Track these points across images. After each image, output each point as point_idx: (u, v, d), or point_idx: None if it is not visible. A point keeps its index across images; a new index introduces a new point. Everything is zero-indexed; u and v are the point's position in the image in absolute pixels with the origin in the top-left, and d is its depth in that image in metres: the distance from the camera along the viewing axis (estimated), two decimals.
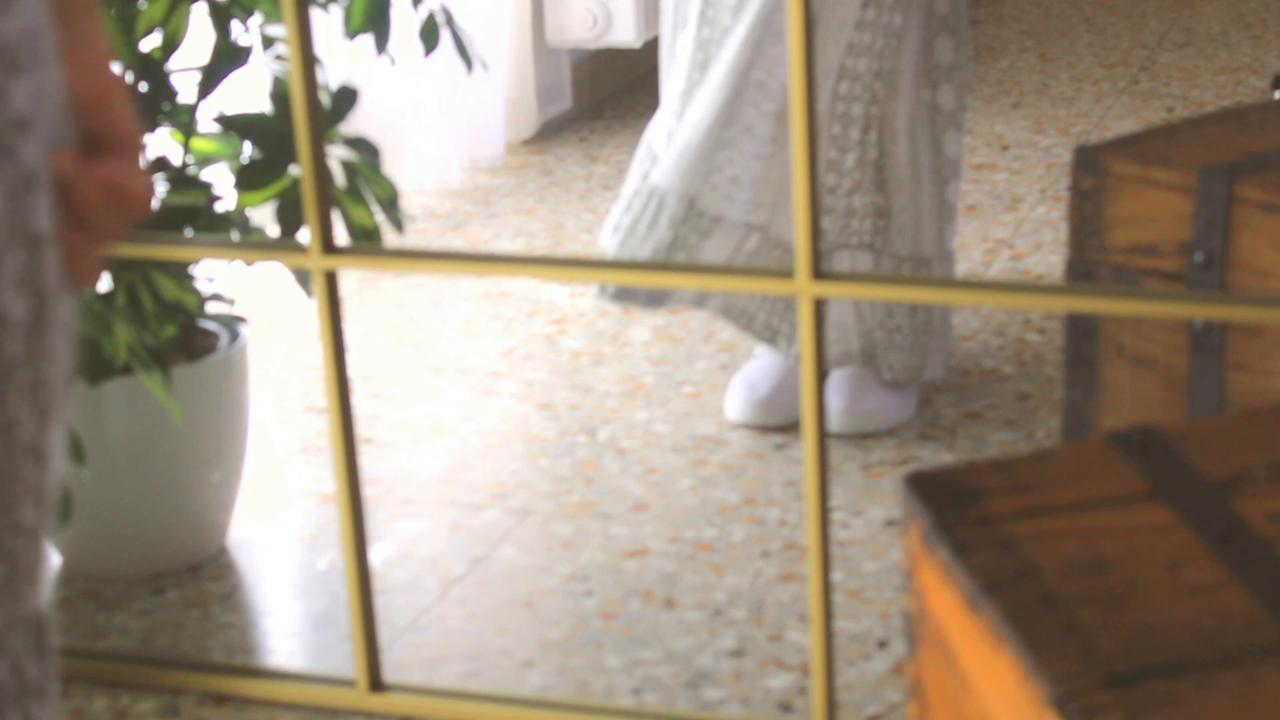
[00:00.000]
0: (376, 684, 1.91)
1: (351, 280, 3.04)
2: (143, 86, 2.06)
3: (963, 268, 2.95)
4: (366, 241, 2.08)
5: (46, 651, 0.81)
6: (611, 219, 2.40)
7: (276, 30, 2.12)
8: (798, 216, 1.67)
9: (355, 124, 3.13)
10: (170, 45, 2.06)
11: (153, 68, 2.06)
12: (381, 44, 2.13)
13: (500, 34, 3.52)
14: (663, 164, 2.35)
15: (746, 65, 2.31)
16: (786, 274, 1.70)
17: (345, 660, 1.99)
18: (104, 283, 2.03)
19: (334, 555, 2.23)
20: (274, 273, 3.03)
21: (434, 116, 3.36)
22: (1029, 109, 3.70)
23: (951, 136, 2.41)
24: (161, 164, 2.08)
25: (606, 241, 2.39)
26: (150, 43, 2.07)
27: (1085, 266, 1.90)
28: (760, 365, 2.51)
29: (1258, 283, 1.78)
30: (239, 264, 2.14)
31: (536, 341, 2.79)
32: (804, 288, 1.68)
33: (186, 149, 2.10)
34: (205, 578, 2.18)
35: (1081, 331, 1.94)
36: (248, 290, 2.99)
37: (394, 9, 2.14)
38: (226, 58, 2.08)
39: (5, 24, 0.76)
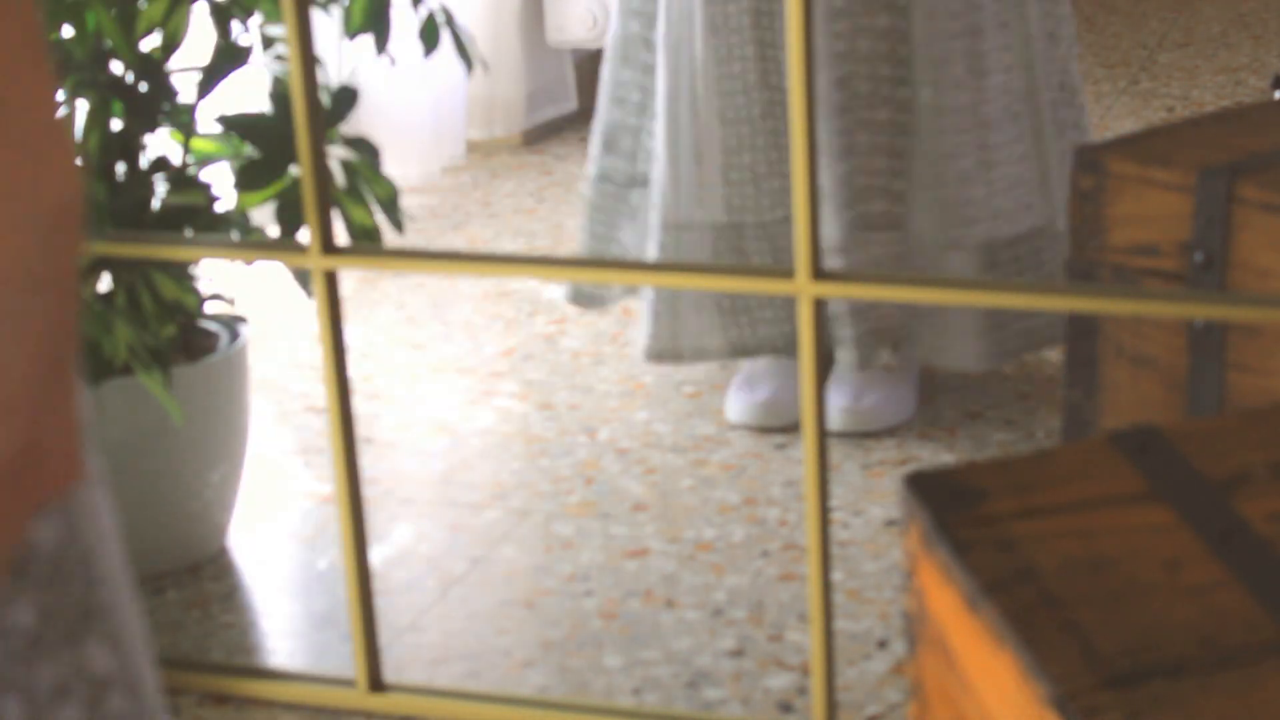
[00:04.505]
0: (376, 684, 1.91)
1: (351, 280, 3.04)
2: (143, 86, 2.06)
3: None
4: (366, 241, 2.08)
5: None
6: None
7: (276, 30, 2.12)
8: (798, 216, 1.67)
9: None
10: (170, 45, 2.06)
11: (153, 68, 2.06)
12: (381, 44, 2.13)
13: (485, 29, 3.52)
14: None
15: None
16: (787, 274, 1.70)
17: (345, 660, 1.99)
18: (104, 283, 2.03)
19: (334, 555, 2.23)
20: (274, 273, 3.03)
21: (401, 110, 3.36)
22: None
23: None
24: (161, 164, 2.08)
25: None
26: (150, 43, 2.07)
27: (1085, 266, 1.90)
28: (760, 367, 2.51)
29: (1258, 283, 1.78)
30: (239, 264, 2.14)
31: (536, 341, 2.79)
32: (804, 288, 1.68)
33: (186, 149, 2.10)
34: (205, 578, 2.18)
35: (1081, 331, 1.94)
36: (248, 290, 2.99)
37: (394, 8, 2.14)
38: (226, 58, 2.08)
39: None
